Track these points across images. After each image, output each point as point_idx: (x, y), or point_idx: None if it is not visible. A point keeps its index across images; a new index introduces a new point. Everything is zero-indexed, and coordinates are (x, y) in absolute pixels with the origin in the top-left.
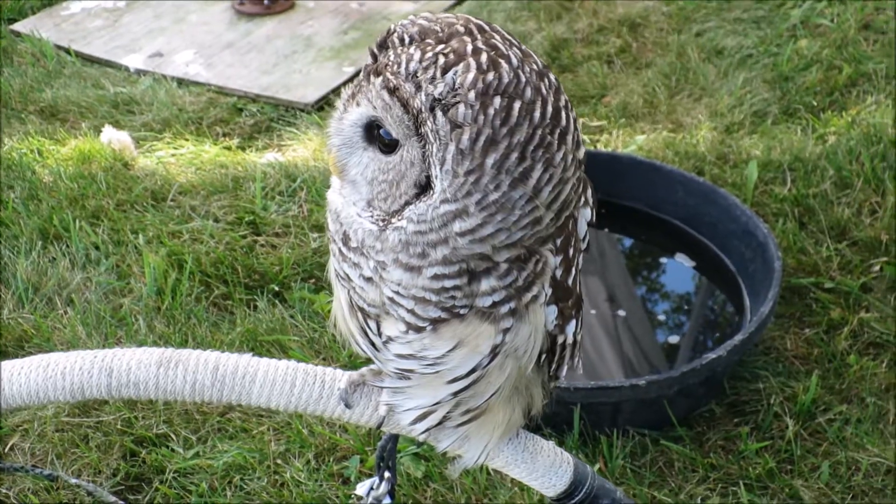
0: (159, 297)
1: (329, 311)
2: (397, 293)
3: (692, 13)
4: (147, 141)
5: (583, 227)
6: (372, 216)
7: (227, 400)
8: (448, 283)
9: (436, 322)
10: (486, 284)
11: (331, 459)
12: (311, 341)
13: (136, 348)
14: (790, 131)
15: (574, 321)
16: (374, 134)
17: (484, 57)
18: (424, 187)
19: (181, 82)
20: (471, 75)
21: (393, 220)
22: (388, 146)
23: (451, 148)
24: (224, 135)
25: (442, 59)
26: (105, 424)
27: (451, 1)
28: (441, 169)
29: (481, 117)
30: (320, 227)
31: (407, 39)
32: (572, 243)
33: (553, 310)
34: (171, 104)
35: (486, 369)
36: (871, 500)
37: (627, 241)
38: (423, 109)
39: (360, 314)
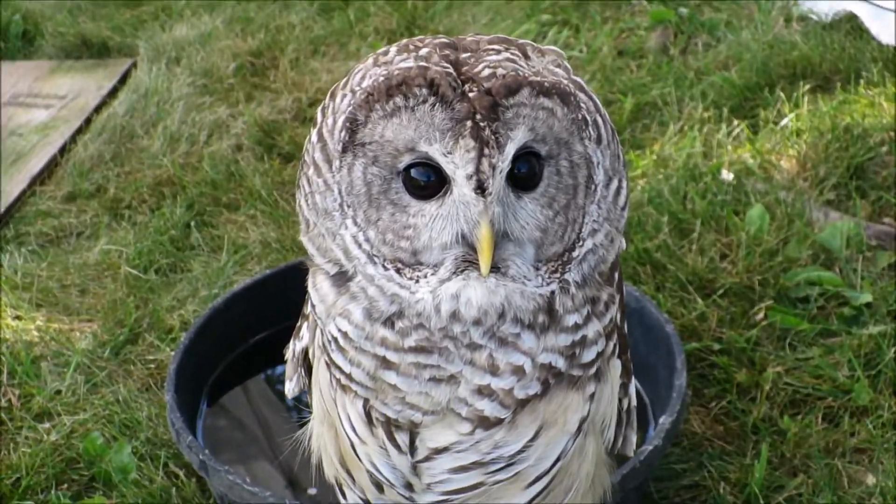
0: None
1: None
2: (499, 377)
3: None
4: None
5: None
6: (542, 278)
7: None
8: (578, 335)
9: (522, 404)
10: (593, 328)
11: None
12: None
13: None
14: None
15: (633, 378)
16: (515, 174)
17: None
18: (589, 185)
19: None
20: (551, 56)
21: (573, 255)
22: (533, 176)
23: (598, 119)
24: None
25: (514, 49)
26: None
27: (96, 103)
28: (600, 146)
29: (587, 85)
30: (47, 414)
31: (449, 79)
32: (616, 281)
33: (617, 364)
34: None
35: (568, 456)
36: None
37: None
38: (575, 92)
39: (383, 429)
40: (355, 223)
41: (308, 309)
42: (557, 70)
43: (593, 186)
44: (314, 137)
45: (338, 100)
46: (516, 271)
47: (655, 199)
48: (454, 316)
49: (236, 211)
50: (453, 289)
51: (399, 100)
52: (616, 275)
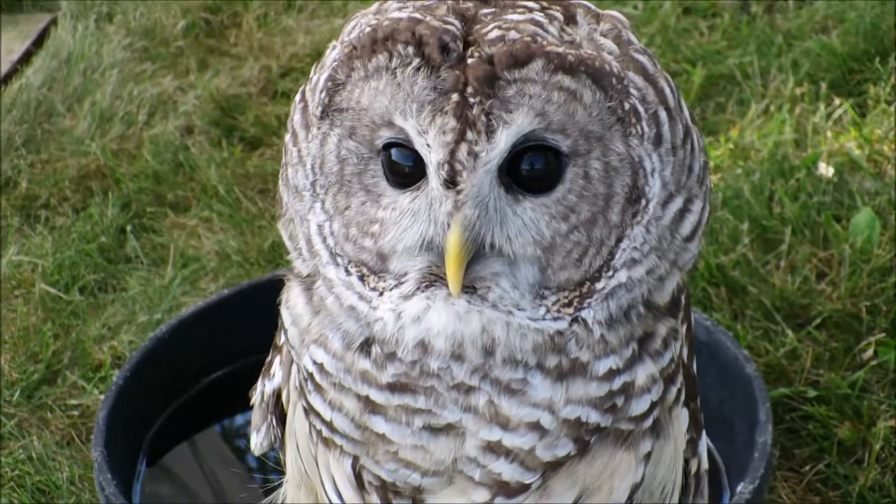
0: None
1: None
2: (512, 431)
3: None
4: None
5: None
6: (546, 310)
7: None
8: (616, 383)
9: (553, 466)
10: (645, 371)
11: None
12: None
13: None
14: None
15: (704, 433)
16: (519, 171)
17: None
18: (635, 200)
19: None
20: (607, 23)
21: (596, 287)
22: (547, 177)
23: (661, 112)
24: None
25: (555, 9)
26: None
27: (5, 70)
28: (658, 150)
29: (656, 64)
30: None
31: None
32: (682, 307)
33: (683, 415)
34: None
35: None
36: None
37: None
38: (620, 73)
39: (378, 496)
40: (323, 209)
41: (281, 338)
42: (605, 41)
43: (643, 202)
44: (298, 97)
45: (326, 53)
46: (500, 295)
47: (733, 201)
48: (423, 346)
49: (185, 213)
50: (415, 309)
51: (382, 58)
52: (682, 298)
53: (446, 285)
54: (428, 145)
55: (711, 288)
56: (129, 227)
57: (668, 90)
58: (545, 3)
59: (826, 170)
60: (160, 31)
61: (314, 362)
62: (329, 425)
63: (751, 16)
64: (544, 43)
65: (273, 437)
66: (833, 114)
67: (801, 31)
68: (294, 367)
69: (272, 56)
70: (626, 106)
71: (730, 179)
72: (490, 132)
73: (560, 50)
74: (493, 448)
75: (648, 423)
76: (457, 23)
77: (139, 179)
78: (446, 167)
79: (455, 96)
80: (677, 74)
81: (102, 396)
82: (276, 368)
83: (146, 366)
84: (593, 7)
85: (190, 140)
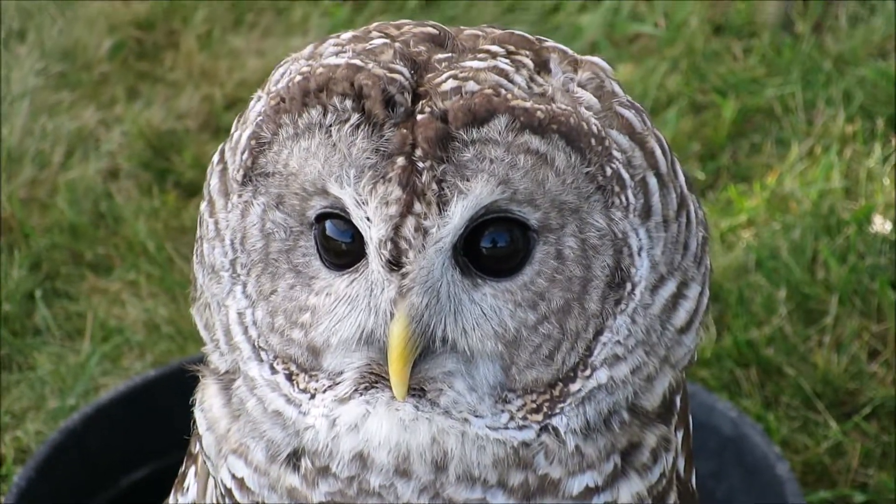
0: None
1: None
2: None
3: None
4: None
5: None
6: (509, 417)
7: None
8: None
9: None
10: (630, 489)
11: None
12: None
13: None
14: None
15: None
16: (479, 249)
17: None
18: (618, 285)
19: None
20: (587, 71)
21: (570, 389)
22: (513, 256)
23: (650, 179)
24: None
25: (523, 55)
26: None
27: None
28: (647, 224)
29: (646, 121)
30: None
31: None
32: (678, 410)
33: None
34: None
35: None
36: None
37: None
38: (599, 132)
39: None
40: (245, 293)
41: (196, 446)
42: (583, 93)
43: (628, 286)
44: (216, 157)
45: (251, 104)
46: (454, 400)
47: (768, 262)
48: (362, 459)
49: (107, 275)
50: (352, 415)
51: (315, 113)
52: (677, 401)
53: (389, 387)
54: (368, 219)
55: (740, 369)
56: (38, 292)
57: (658, 152)
58: (512, 48)
59: (882, 225)
60: (81, 53)
61: (233, 477)
62: None
63: (794, 36)
64: (509, 96)
65: None
66: (891, 157)
67: (854, 56)
68: (211, 481)
69: (216, 83)
70: (608, 171)
71: (765, 236)
72: (443, 204)
73: (528, 105)
74: None
75: None
76: (405, 71)
77: (52, 234)
78: (389, 245)
79: (401, 160)
80: (705, 107)
81: (2, 499)
82: (191, 481)
83: (56, 462)
84: (571, 52)
85: (115, 186)
